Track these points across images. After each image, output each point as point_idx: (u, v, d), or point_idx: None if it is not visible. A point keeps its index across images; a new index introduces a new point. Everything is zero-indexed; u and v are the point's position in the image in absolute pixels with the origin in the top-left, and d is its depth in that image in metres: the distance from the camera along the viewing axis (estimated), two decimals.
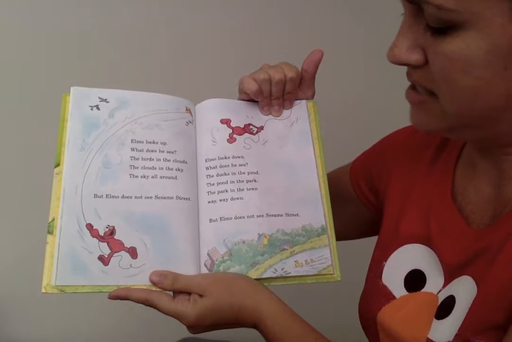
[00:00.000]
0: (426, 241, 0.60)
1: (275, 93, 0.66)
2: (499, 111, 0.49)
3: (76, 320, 1.12)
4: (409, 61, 0.49)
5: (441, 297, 0.56)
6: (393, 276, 0.62)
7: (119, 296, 0.57)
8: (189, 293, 0.57)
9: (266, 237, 0.61)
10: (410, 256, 0.61)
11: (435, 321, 0.55)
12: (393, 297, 0.61)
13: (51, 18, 1.14)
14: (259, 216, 0.62)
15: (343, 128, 1.14)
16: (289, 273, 0.60)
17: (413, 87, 0.53)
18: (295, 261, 0.60)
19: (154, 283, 0.58)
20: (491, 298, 0.50)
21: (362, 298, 0.68)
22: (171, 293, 0.58)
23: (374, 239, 0.70)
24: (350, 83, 1.24)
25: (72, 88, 0.64)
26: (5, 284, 1.11)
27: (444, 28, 0.45)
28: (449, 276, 0.56)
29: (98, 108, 0.64)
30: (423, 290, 0.58)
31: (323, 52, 0.67)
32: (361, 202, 0.76)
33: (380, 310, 0.62)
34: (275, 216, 0.62)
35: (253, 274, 0.59)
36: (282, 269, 0.60)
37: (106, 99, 0.64)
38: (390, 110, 1.16)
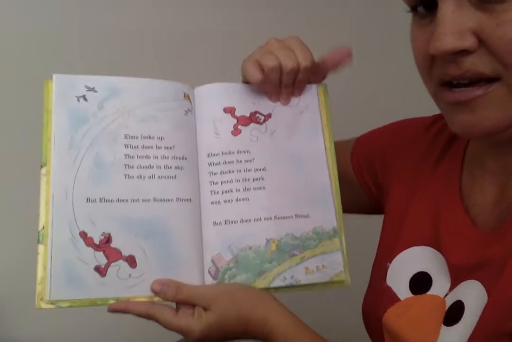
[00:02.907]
0: (433, 242, 0.58)
1: (285, 82, 0.59)
2: None
3: (76, 320, 1.09)
4: (464, 46, 0.46)
5: (448, 301, 0.54)
6: (398, 277, 0.60)
7: (119, 309, 0.53)
8: (193, 305, 0.54)
9: (274, 242, 0.57)
10: (416, 258, 0.59)
11: (443, 328, 0.53)
12: (398, 299, 0.59)
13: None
14: (267, 219, 0.57)
15: (345, 125, 1.10)
16: (300, 281, 0.56)
17: (447, 86, 0.49)
18: (305, 268, 0.56)
19: (155, 293, 0.54)
20: (503, 305, 0.48)
21: (365, 299, 0.66)
22: (173, 303, 0.55)
23: (377, 236, 0.67)
24: (352, 80, 1.17)
25: (54, 76, 0.57)
26: (5, 284, 1.10)
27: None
28: (456, 278, 0.54)
29: (86, 99, 0.57)
30: (429, 292, 0.56)
31: (352, 57, 0.60)
32: (362, 188, 0.72)
33: (385, 313, 0.59)
34: (284, 218, 0.58)
35: (261, 283, 0.56)
36: (292, 277, 0.56)
37: (93, 88, 0.57)
38: (392, 106, 1.13)
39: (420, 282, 0.58)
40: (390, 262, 0.61)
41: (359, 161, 0.72)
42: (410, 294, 0.58)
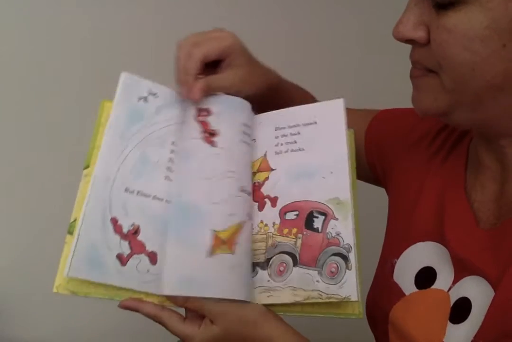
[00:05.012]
0: (438, 237, 0.59)
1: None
2: (494, 91, 0.49)
3: (76, 320, 1.07)
4: (414, 37, 0.50)
5: (452, 296, 0.55)
6: (405, 273, 0.61)
7: (130, 307, 0.52)
8: (201, 316, 0.54)
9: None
10: (422, 253, 0.60)
11: (450, 325, 0.54)
12: (404, 295, 0.60)
13: (59, 18, 1.15)
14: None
15: None
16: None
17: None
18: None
19: (166, 296, 0.53)
20: (509, 305, 0.49)
21: (370, 295, 0.66)
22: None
23: (380, 235, 0.68)
24: (349, 81, 1.22)
25: (123, 74, 0.60)
26: (5, 284, 1.05)
27: (448, 3, 0.46)
28: (459, 272, 0.55)
29: (146, 101, 0.60)
30: (433, 286, 0.57)
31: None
32: (368, 165, 0.73)
33: (392, 309, 0.60)
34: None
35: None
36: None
37: (156, 93, 0.61)
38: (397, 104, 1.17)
39: (425, 277, 0.58)
40: (398, 258, 0.62)
41: (372, 139, 0.72)
42: (415, 289, 0.59)
